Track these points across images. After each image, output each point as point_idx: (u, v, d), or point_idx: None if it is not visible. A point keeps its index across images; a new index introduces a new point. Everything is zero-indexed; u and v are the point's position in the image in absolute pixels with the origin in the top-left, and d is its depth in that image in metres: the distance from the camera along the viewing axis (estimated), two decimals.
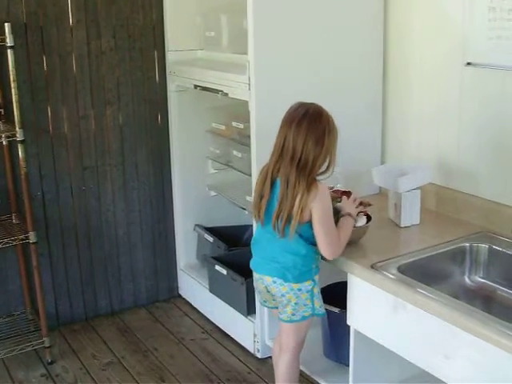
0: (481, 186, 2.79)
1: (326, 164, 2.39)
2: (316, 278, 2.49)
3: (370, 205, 2.66)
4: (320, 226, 2.36)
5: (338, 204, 2.55)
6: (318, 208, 2.34)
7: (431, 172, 2.86)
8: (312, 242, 2.42)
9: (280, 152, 2.36)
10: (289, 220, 2.35)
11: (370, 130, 3.25)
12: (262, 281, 2.52)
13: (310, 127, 2.31)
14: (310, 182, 2.33)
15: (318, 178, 2.40)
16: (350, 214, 2.48)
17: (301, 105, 2.38)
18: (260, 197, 2.44)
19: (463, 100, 2.82)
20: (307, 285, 2.45)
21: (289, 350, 2.58)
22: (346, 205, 2.53)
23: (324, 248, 2.39)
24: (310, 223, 2.38)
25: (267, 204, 2.41)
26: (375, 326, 2.42)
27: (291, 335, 2.55)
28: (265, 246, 2.50)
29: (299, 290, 2.44)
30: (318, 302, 2.51)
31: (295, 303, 2.46)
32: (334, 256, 2.42)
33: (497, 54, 2.61)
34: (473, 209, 2.79)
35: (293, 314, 2.49)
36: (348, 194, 2.65)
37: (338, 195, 2.64)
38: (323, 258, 2.47)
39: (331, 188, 2.69)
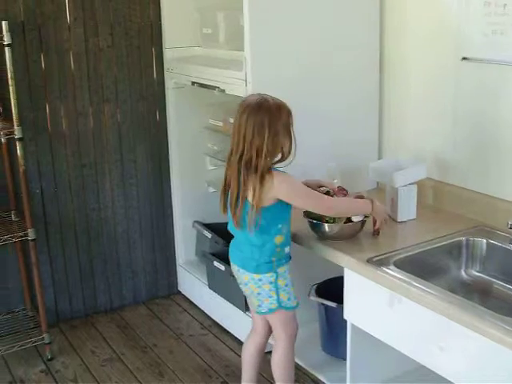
0: (477, 181, 2.80)
1: (278, 153, 2.36)
2: (280, 270, 2.46)
3: None
4: (296, 201, 2.38)
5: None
6: (282, 190, 2.33)
7: (427, 167, 2.86)
8: (269, 233, 2.40)
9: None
10: (241, 210, 2.37)
11: (367, 125, 3.25)
12: (233, 269, 2.56)
13: (248, 119, 2.29)
14: (262, 176, 2.29)
15: (277, 166, 2.38)
16: (372, 208, 2.47)
17: (250, 96, 2.42)
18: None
19: (459, 95, 2.82)
20: (268, 276, 2.44)
21: (280, 342, 2.58)
22: (378, 207, 2.51)
23: (318, 209, 2.43)
24: (268, 208, 2.35)
25: (226, 196, 2.46)
26: (372, 320, 2.43)
27: (278, 327, 2.56)
28: (235, 236, 2.54)
29: (260, 280, 2.45)
30: (286, 295, 2.49)
31: (258, 293, 2.47)
32: (331, 211, 2.44)
33: (492, 49, 2.61)
34: (469, 203, 2.80)
35: (259, 306, 2.50)
36: None
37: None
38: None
39: (340, 188, 2.65)
